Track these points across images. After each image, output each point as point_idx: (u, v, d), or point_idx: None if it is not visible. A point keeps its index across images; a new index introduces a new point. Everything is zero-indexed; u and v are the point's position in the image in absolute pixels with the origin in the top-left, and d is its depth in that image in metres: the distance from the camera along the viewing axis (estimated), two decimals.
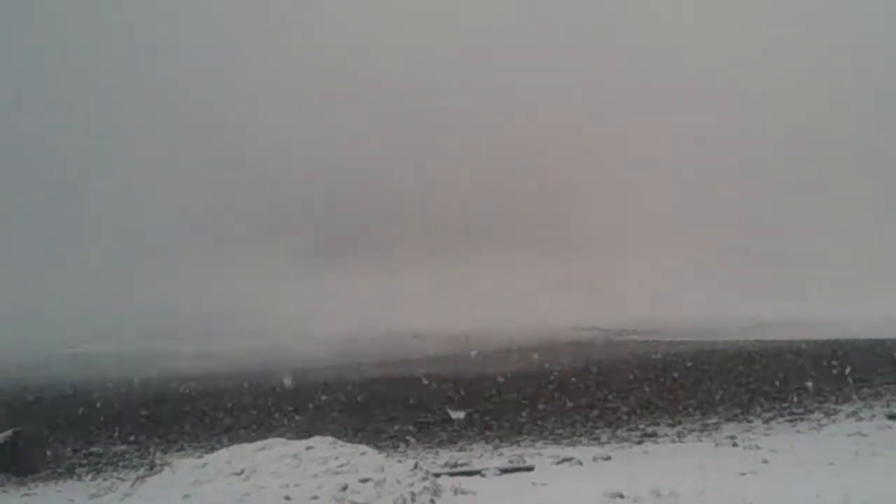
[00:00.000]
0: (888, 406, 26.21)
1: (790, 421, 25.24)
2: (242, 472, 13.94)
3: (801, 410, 27.26)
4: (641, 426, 26.44)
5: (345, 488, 13.00)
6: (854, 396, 29.32)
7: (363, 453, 15.05)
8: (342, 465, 14.11)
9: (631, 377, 41.31)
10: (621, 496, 12.63)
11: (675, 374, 41.86)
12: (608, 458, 19.97)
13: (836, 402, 28.30)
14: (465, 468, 19.07)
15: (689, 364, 46.90)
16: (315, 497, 12.65)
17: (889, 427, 21.94)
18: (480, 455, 22.36)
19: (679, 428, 25.55)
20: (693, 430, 24.80)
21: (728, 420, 26.53)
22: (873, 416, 24.56)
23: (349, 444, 15.68)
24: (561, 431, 26.53)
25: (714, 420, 26.69)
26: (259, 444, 15.31)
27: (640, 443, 23.10)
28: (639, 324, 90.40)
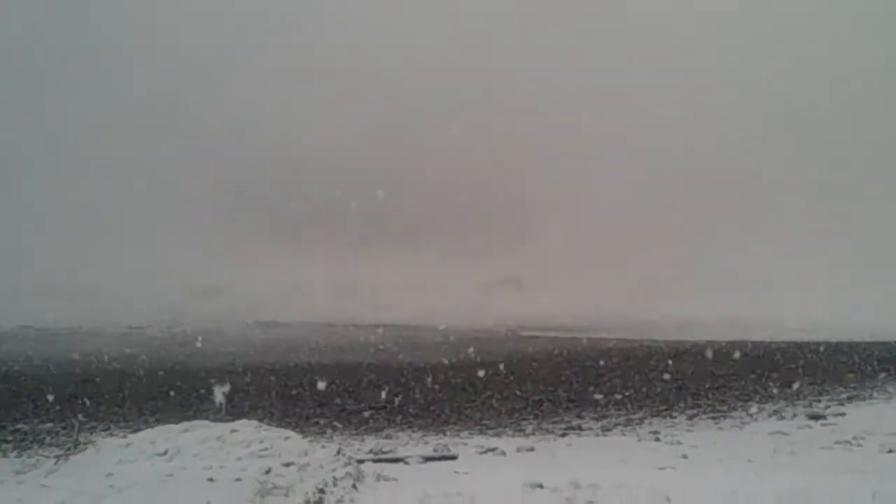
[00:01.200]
0: (810, 406, 26.42)
1: (713, 418, 25.27)
2: (166, 452, 13.83)
3: (725, 408, 27.37)
4: (566, 419, 26.27)
5: (268, 471, 12.81)
6: (777, 395, 29.56)
7: (287, 438, 15.06)
8: (266, 449, 14.07)
9: (560, 372, 41.32)
10: (541, 486, 12.37)
11: (603, 370, 42.00)
12: (532, 449, 19.73)
13: (759, 401, 28.47)
14: (389, 455, 18.70)
15: (615, 360, 47.19)
16: (238, 479, 12.41)
17: (810, 426, 22.02)
18: (406, 443, 22.03)
19: (604, 422, 25.43)
20: (618, 425, 24.68)
21: (652, 416, 26.51)
22: (795, 415, 24.71)
23: (273, 429, 15.61)
24: (487, 422, 26.23)
25: (639, 415, 26.63)
26: (183, 425, 15.13)
27: (564, 435, 22.88)
28: (569, 320, 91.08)
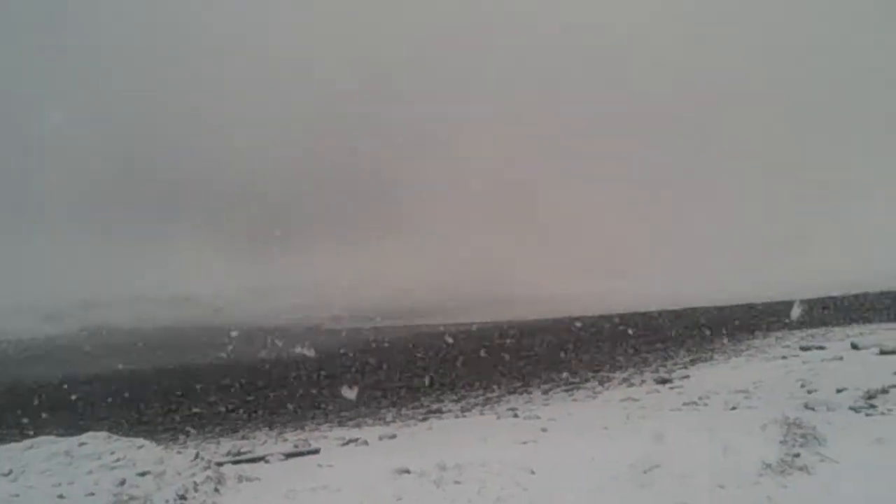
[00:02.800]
0: (657, 371, 27.48)
1: (567, 391, 25.90)
2: (10, 472, 12.81)
3: (577, 380, 28.09)
4: (426, 403, 26.33)
5: (122, 483, 12.06)
6: (626, 364, 30.61)
7: (140, 447, 14.18)
8: (118, 460, 13.22)
9: (416, 358, 41.46)
10: (408, 472, 12.29)
11: (458, 353, 42.40)
12: (394, 436, 19.62)
13: (609, 371, 29.41)
14: (248, 455, 18.15)
15: (471, 342, 47.72)
16: (91, 494, 11.65)
17: (658, 391, 22.87)
18: (264, 442, 21.47)
19: (463, 403, 25.62)
20: (476, 405, 24.90)
21: (509, 393, 26.92)
22: (643, 381, 25.63)
23: (125, 438, 14.70)
24: (346, 413, 25.95)
25: (496, 394, 26.98)
26: (27, 442, 14.16)
27: (424, 419, 22.88)
28: (425, 308, 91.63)
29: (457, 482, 11.26)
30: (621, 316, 58.24)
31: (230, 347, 58.50)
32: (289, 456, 17.40)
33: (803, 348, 27.97)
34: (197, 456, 14.36)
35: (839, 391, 17.62)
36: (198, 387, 36.40)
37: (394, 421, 23.33)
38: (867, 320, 37.06)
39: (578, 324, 54.53)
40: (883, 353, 22.66)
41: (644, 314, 58.03)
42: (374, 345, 52.27)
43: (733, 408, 17.50)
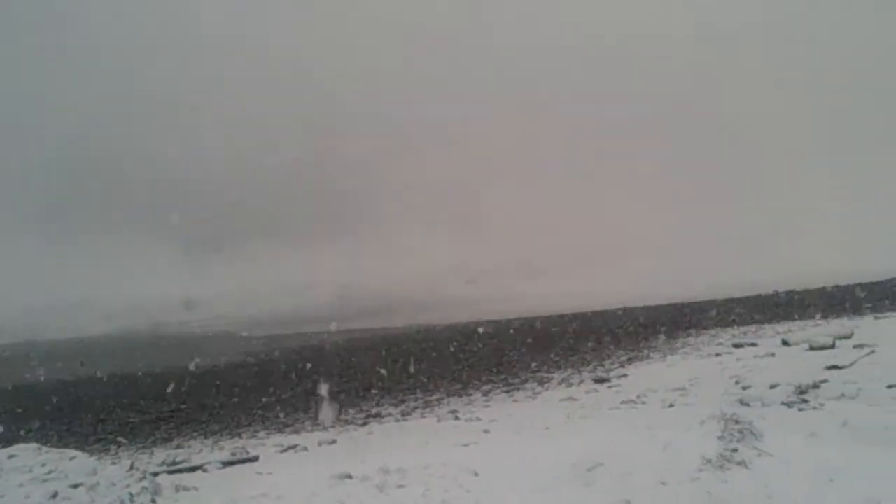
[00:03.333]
0: (595, 371, 27.79)
1: (507, 392, 26.04)
2: None
3: (517, 381, 28.25)
4: (366, 408, 26.21)
5: (55, 496, 11.66)
6: (564, 364, 30.88)
7: (73, 458, 13.70)
8: (50, 472, 12.71)
9: (358, 362, 41.26)
10: (350, 477, 12.19)
11: (398, 356, 42.33)
12: (334, 441, 19.51)
13: (548, 371, 29.63)
14: (184, 465, 17.84)
15: (413, 346, 47.73)
16: None
17: (597, 390, 23.14)
18: (200, 450, 21.11)
19: (403, 406, 25.56)
20: (416, 408, 24.86)
21: (450, 395, 26.94)
22: (582, 381, 25.90)
23: (56, 450, 14.27)
24: (284, 420, 25.68)
25: (436, 397, 26.98)
26: None
27: (364, 424, 22.77)
28: (355, 313, 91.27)
29: (400, 486, 11.22)
30: (560, 316, 58.83)
31: (162, 355, 57.54)
32: (227, 464, 17.18)
33: (736, 345, 28.57)
34: (132, 466, 14.05)
35: (772, 387, 18.04)
36: (129, 396, 35.68)
37: (333, 426, 23.18)
38: (797, 318, 37.98)
39: (516, 324, 54.90)
40: (812, 348, 23.27)
41: (581, 314, 58.59)
42: (307, 351, 51.81)
43: (671, 405, 17.79)
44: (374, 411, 25.22)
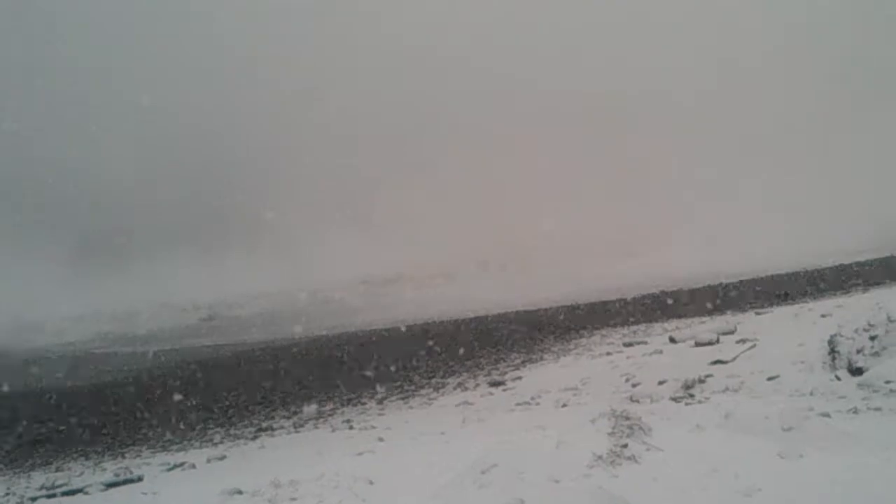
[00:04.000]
0: (490, 375, 27.97)
1: (403, 399, 25.94)
2: None
3: (413, 388, 28.19)
4: (256, 421, 25.70)
5: None
6: (460, 369, 31.00)
7: None
8: None
9: (247, 375, 40.52)
10: (240, 492, 11.90)
11: (289, 368, 41.78)
12: (223, 457, 19.00)
13: (443, 377, 29.68)
14: (64, 488, 17.08)
15: (302, 354, 47.16)
16: None
17: (492, 393, 23.29)
18: (81, 473, 20.22)
19: (295, 418, 25.18)
20: (310, 419, 24.52)
21: (343, 405, 26.67)
22: (477, 385, 26.03)
23: None
24: (171, 437, 24.90)
25: (330, 406, 26.67)
26: None
27: (255, 438, 22.31)
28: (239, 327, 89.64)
29: (292, 499, 11.02)
30: (454, 322, 59.15)
31: (38, 374, 55.14)
32: (109, 486, 16.55)
33: (626, 344, 29.19)
34: (8, 492, 13.42)
35: (661, 383, 18.50)
36: (1, 418, 34.03)
37: (222, 442, 22.62)
38: (684, 315, 39.13)
39: (404, 330, 54.93)
40: (698, 345, 23.96)
41: (475, 318, 59.01)
42: (195, 365, 50.54)
43: (564, 405, 18.04)
44: (264, 424, 24.73)
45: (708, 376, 18.48)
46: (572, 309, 51.66)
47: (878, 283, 37.63)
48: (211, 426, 26.24)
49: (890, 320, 15.65)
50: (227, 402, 31.21)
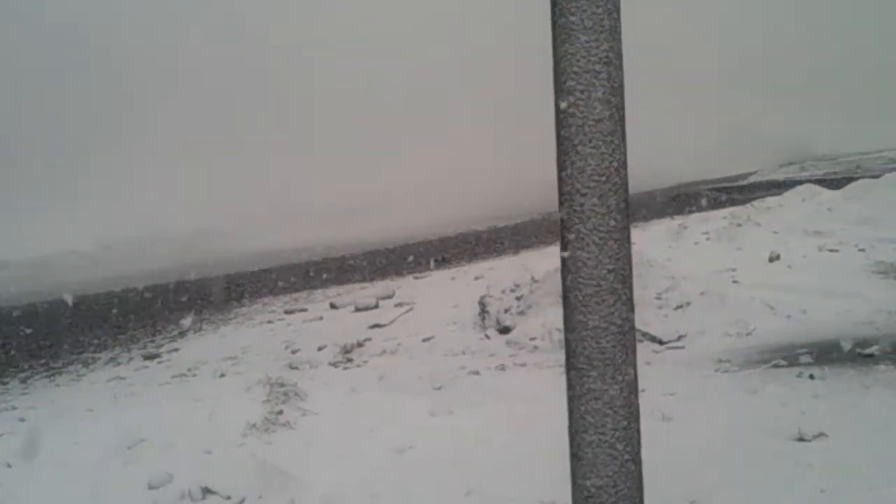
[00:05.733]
0: (145, 347, 26.85)
1: (48, 376, 24.16)
2: None
3: (60, 364, 26.33)
4: None
5: None
6: (112, 343, 29.43)
7: None
8: None
9: None
10: None
11: None
12: None
13: (94, 351, 28.02)
14: None
15: None
16: None
17: (146, 367, 22.41)
18: None
19: None
20: None
21: None
22: (131, 359, 24.89)
23: None
24: None
25: None
26: None
27: None
28: None
29: None
30: (105, 295, 55.77)
31: None
32: None
33: (287, 312, 29.33)
34: None
35: (320, 349, 18.88)
36: None
37: None
38: (345, 282, 39.94)
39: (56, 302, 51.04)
40: (358, 310, 24.69)
41: (132, 289, 55.97)
42: None
43: (222, 375, 17.81)
44: None
45: (366, 340, 19.14)
46: (228, 279, 50.68)
47: (526, 246, 40.47)
48: None
49: (534, 280, 17.13)
50: None
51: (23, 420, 15.96)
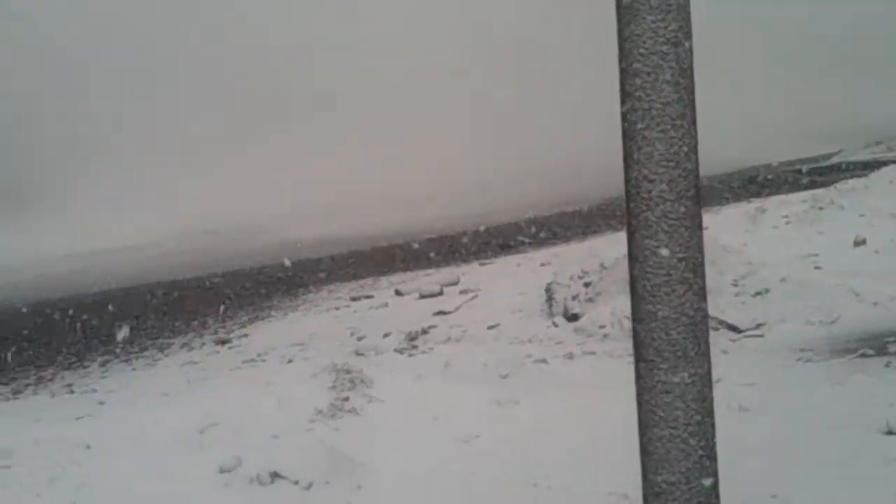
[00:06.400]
0: (216, 333, 27.26)
1: (126, 361, 24.76)
2: None
3: (136, 349, 26.94)
4: None
5: None
6: (185, 328, 30.00)
7: None
8: None
9: None
10: None
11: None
12: None
13: (168, 337, 28.59)
14: None
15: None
16: None
17: (218, 352, 22.78)
18: None
19: (14, 385, 23.30)
20: (28, 385, 22.80)
21: (64, 369, 25.02)
22: (203, 344, 25.31)
23: None
24: None
25: (49, 372, 24.94)
26: None
27: None
28: None
29: (5, 467, 10.19)
30: (177, 282, 56.91)
31: None
32: None
33: (353, 298, 29.44)
34: None
35: (385, 336, 18.90)
36: None
37: None
38: (410, 269, 39.96)
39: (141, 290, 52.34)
40: (422, 297, 24.67)
41: (198, 277, 56.94)
42: None
43: (290, 361, 17.96)
44: None
45: (431, 327, 19.10)
46: (295, 266, 51.15)
47: (594, 232, 39.97)
48: None
49: (603, 267, 16.82)
50: None
51: (102, 403, 16.39)
